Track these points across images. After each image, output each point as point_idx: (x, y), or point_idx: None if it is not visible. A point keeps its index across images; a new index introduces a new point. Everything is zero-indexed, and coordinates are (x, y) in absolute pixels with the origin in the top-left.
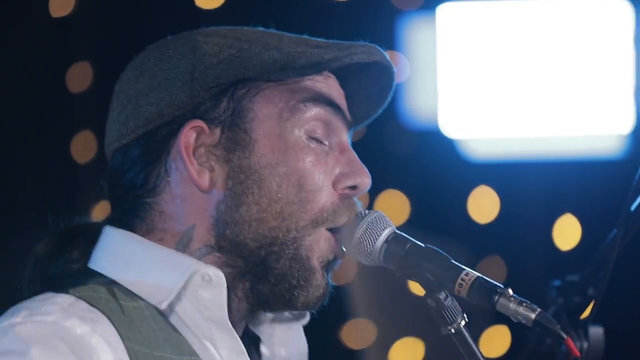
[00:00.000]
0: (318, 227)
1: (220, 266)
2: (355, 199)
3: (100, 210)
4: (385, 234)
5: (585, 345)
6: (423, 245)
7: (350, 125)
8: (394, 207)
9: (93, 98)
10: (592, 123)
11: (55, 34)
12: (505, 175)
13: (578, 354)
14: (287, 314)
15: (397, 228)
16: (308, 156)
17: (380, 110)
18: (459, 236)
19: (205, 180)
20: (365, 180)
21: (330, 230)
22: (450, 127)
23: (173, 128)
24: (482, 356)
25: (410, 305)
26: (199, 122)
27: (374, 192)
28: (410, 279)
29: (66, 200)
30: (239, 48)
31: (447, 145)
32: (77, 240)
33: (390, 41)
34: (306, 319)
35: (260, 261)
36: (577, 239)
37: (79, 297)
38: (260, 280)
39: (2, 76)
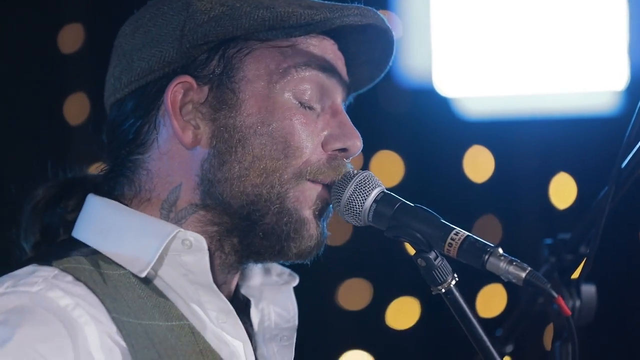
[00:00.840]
0: (302, 179)
1: (206, 224)
2: (346, 162)
3: (94, 172)
4: (374, 193)
5: (577, 303)
6: (412, 204)
7: (348, 88)
8: (389, 167)
9: (85, 59)
10: (586, 80)
11: None
12: (499, 133)
13: (569, 312)
14: (275, 277)
15: (392, 188)
16: (295, 116)
17: (382, 74)
18: (454, 196)
19: (189, 137)
20: (356, 143)
21: (317, 183)
22: (445, 85)
23: (163, 84)
24: (473, 315)
25: (407, 264)
26: (187, 78)
27: (368, 153)
28: (399, 239)
29: (59, 162)
30: (231, 6)
31: (442, 104)
32: (74, 190)
33: (383, 0)
34: (295, 281)
35: (245, 217)
36: (573, 197)
37: (63, 270)
38: (248, 235)
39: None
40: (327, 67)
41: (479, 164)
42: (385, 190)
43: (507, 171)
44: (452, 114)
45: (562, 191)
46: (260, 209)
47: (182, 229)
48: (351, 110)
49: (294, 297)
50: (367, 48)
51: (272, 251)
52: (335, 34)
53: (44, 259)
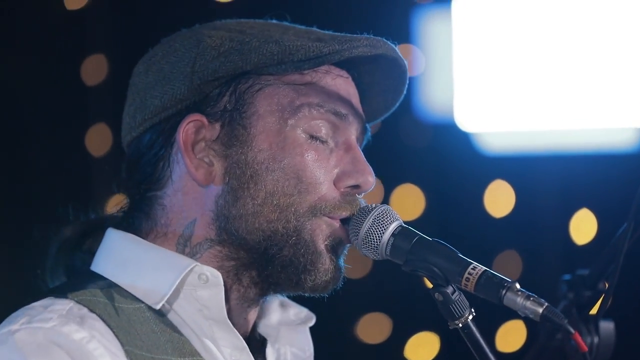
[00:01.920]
0: (317, 214)
1: (222, 259)
2: (359, 198)
3: (114, 204)
4: (392, 227)
5: (595, 340)
6: (430, 239)
7: (363, 122)
8: (410, 201)
9: (108, 91)
10: (607, 116)
11: (70, 27)
12: (520, 168)
13: (586, 348)
14: (292, 316)
15: (412, 222)
16: (307, 152)
17: (396, 104)
18: (475, 230)
19: (202, 174)
20: (368, 179)
21: (334, 218)
22: (466, 120)
23: (176, 121)
24: (489, 351)
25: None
26: (199, 116)
27: (389, 186)
28: (417, 273)
29: (82, 194)
30: (241, 41)
31: (463, 139)
32: (97, 232)
33: (406, 34)
34: (312, 321)
35: (263, 252)
36: (593, 233)
37: (78, 302)
38: (266, 268)
39: (18, 70)
40: (340, 103)
41: (499, 199)
42: (403, 224)
43: (527, 206)
44: (473, 149)
45: (583, 227)
46: (277, 244)
47: (199, 263)
48: (373, 144)
49: (310, 337)
50: (381, 78)
51: (289, 283)
52: (348, 65)
53: (61, 291)
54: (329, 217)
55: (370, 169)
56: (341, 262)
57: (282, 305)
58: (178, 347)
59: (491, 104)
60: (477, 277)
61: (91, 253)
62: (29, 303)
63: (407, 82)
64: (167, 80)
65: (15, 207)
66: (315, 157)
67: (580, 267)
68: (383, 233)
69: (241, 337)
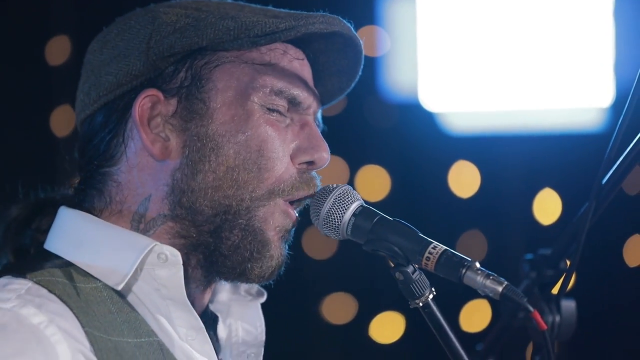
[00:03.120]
0: (273, 198)
1: (174, 236)
2: (314, 174)
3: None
4: (353, 207)
5: (557, 319)
6: (391, 218)
7: (317, 99)
8: (375, 181)
9: (72, 71)
10: (572, 96)
11: (34, 8)
12: (485, 149)
13: (545, 327)
14: (243, 292)
15: (377, 203)
16: (268, 124)
17: (352, 84)
18: (440, 210)
19: (158, 149)
20: (323, 155)
21: (290, 202)
22: (430, 100)
23: (131, 97)
24: (450, 330)
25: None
26: (154, 91)
27: (354, 167)
28: (377, 253)
29: (45, 174)
30: (197, 17)
31: (427, 119)
32: (47, 209)
33: (370, 15)
34: (263, 298)
35: (213, 230)
36: (557, 213)
37: (37, 282)
38: (213, 253)
39: None
40: (297, 89)
41: (464, 179)
42: (364, 204)
43: (492, 186)
44: (437, 129)
45: (547, 207)
46: (228, 221)
47: (158, 243)
48: (338, 125)
49: (262, 313)
50: (336, 58)
51: (233, 272)
52: (303, 43)
53: (18, 271)
54: (284, 201)
55: (326, 145)
56: (286, 248)
57: (233, 282)
58: (134, 328)
59: (456, 84)
60: (437, 256)
61: (40, 231)
62: None
63: (362, 62)
64: (122, 57)
65: None
66: (275, 129)
67: (545, 246)
68: (344, 213)
69: (198, 317)
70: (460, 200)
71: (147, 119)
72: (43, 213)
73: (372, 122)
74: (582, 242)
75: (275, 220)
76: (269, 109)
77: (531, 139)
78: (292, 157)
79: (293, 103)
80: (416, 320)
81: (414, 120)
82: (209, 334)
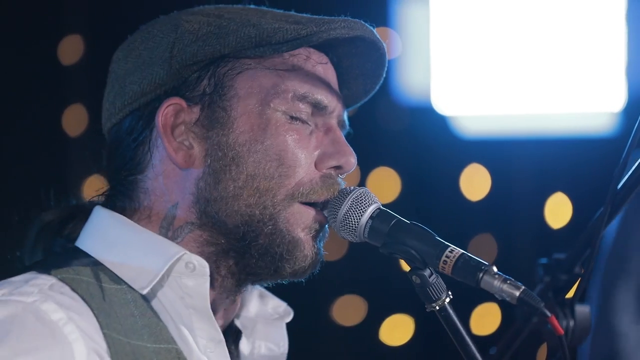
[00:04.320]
0: (293, 202)
1: (202, 244)
2: (339, 179)
3: (91, 184)
4: (370, 210)
5: (571, 323)
6: (408, 221)
7: (342, 103)
8: (386, 184)
9: (85, 71)
10: (584, 101)
11: (47, 7)
12: (497, 152)
13: (562, 331)
14: (270, 310)
15: (388, 205)
16: (289, 133)
17: (376, 88)
18: (451, 213)
19: (182, 157)
20: (350, 160)
21: (309, 204)
22: (443, 103)
23: (155, 106)
24: (466, 333)
25: (401, 281)
26: (177, 100)
27: (365, 169)
28: (394, 256)
29: (57, 174)
30: (219, 25)
31: (440, 122)
32: (79, 217)
33: (383, 17)
34: (289, 317)
35: (240, 238)
36: (568, 217)
37: (60, 279)
38: (243, 256)
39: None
40: (321, 93)
41: (475, 183)
42: (381, 207)
43: (503, 190)
44: (449, 132)
45: (558, 211)
46: (254, 229)
47: (187, 252)
48: (349, 126)
49: (286, 333)
50: (360, 61)
51: (267, 271)
52: (326, 48)
53: (44, 267)
54: (305, 205)
55: (351, 149)
56: (321, 245)
57: (261, 297)
58: (155, 333)
59: (468, 87)
60: (454, 260)
61: (71, 239)
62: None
63: (386, 65)
64: (146, 66)
65: None
66: (296, 138)
67: (554, 250)
68: (361, 216)
69: (219, 330)
70: (471, 203)
71: (171, 127)
72: (75, 221)
73: (384, 125)
74: (596, 248)
75: (301, 221)
76: (291, 117)
77: (543, 143)
78: (318, 163)
79: (317, 107)
80: (426, 323)
81: (426, 123)
82: (230, 348)
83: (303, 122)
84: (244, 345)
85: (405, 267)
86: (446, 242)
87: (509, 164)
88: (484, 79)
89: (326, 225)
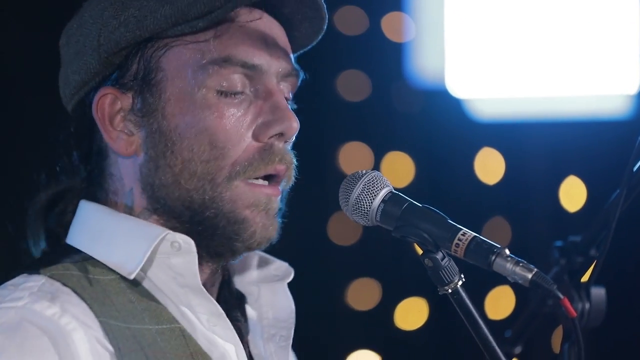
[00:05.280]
0: (235, 181)
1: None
2: (285, 147)
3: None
4: (382, 193)
5: (587, 306)
6: (420, 205)
7: (284, 56)
8: (400, 167)
9: None
10: (598, 83)
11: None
12: (511, 135)
13: (575, 314)
14: (273, 271)
15: (402, 189)
16: (217, 112)
17: (323, 27)
18: (465, 197)
19: (123, 146)
20: (292, 125)
21: (260, 179)
22: (457, 86)
23: (95, 95)
24: (480, 316)
25: (415, 265)
26: (110, 90)
27: (379, 153)
28: (407, 239)
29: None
30: (139, 6)
31: (454, 105)
32: (68, 196)
33: (397, 1)
34: (290, 276)
35: (189, 221)
36: (583, 200)
37: (50, 277)
38: (200, 238)
39: (3, 35)
40: (250, 53)
41: (489, 166)
42: (393, 190)
43: (517, 173)
44: (464, 115)
45: (572, 194)
46: (198, 214)
47: (170, 231)
48: (363, 110)
49: (290, 294)
50: (297, 7)
51: (225, 250)
52: (260, 4)
53: (33, 268)
54: (248, 181)
55: (292, 113)
56: (276, 218)
57: (262, 260)
58: (155, 315)
59: (482, 70)
60: (466, 242)
61: (63, 214)
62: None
63: (323, 6)
64: (81, 55)
65: None
66: (226, 115)
67: (569, 234)
68: (373, 199)
69: (217, 303)
70: (485, 186)
71: (109, 117)
72: (63, 198)
73: (398, 108)
74: (612, 230)
75: (245, 199)
76: (219, 92)
77: (557, 125)
78: (258, 135)
79: (248, 68)
80: (440, 307)
81: (441, 107)
82: (235, 314)
83: (235, 94)
84: (250, 311)
85: (419, 251)
86: (458, 225)
87: (523, 147)
88: (499, 61)
89: (279, 198)
